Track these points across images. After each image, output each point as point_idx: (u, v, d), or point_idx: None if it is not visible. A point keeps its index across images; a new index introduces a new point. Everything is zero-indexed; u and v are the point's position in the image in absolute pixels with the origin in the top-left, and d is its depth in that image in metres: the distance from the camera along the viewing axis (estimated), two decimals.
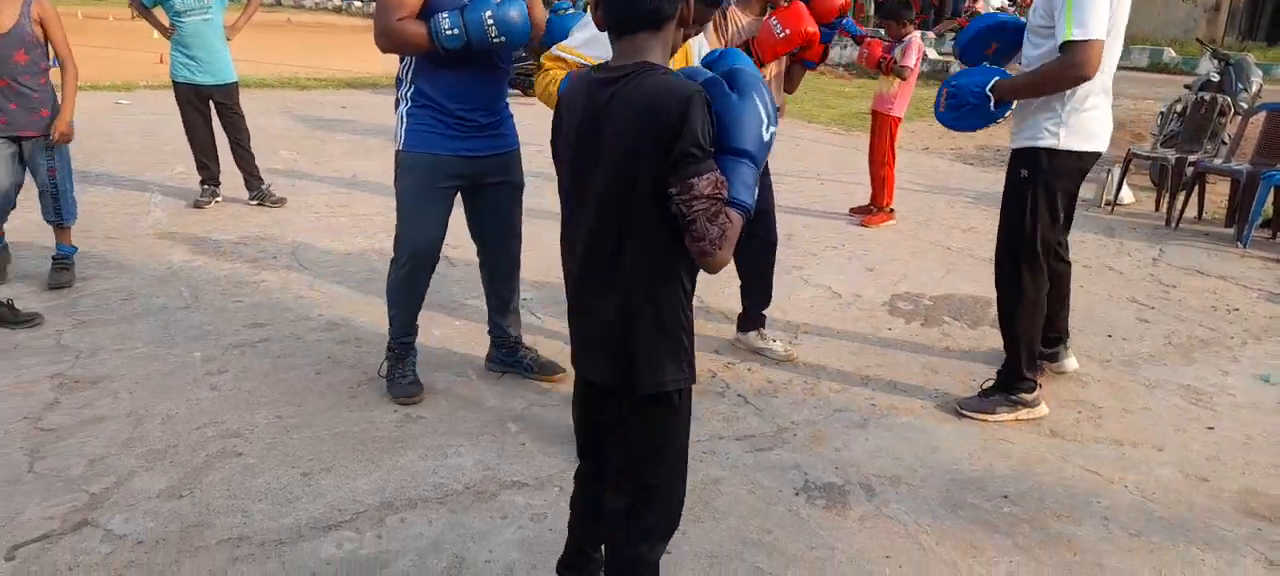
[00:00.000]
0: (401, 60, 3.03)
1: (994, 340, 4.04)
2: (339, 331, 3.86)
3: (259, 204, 5.96)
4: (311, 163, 7.45)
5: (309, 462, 2.81)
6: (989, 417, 3.24)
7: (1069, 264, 3.54)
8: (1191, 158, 6.35)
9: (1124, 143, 9.76)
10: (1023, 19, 3.17)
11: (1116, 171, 6.80)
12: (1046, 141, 3.02)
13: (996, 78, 3.08)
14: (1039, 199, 3.09)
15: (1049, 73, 2.92)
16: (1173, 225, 6.27)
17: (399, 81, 3.07)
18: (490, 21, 2.78)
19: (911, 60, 5.75)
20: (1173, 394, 3.56)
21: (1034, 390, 3.27)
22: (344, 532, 2.46)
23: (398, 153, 3.07)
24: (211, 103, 5.83)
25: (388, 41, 2.85)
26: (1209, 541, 2.58)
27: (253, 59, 12.74)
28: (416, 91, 2.99)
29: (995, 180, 6.05)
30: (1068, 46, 2.82)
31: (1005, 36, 3.25)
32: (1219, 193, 6.77)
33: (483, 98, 3.05)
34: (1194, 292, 4.86)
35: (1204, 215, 6.53)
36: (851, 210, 6.32)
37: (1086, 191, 7.35)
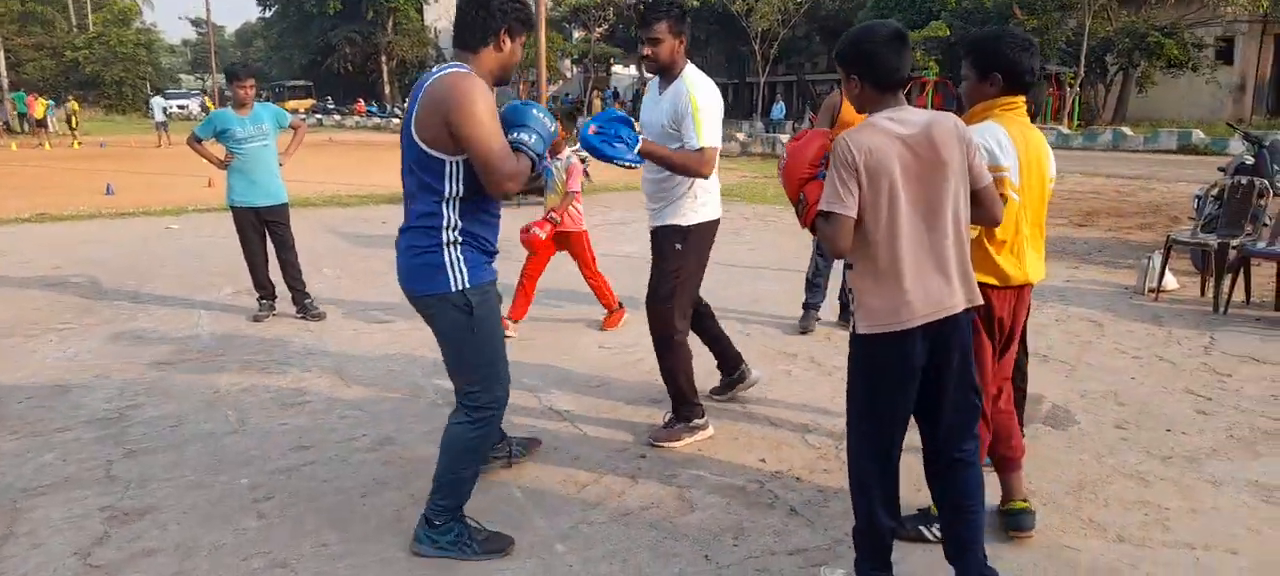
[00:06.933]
0: (436, 203, 2.80)
1: (1043, 443, 3.93)
2: (383, 452, 3.86)
3: (303, 317, 6.16)
4: (354, 279, 7.60)
5: None
6: (675, 444, 3.88)
7: (707, 308, 4.31)
8: (1234, 242, 6.26)
9: (1162, 228, 9.70)
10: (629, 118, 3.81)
11: (1158, 258, 6.71)
12: (691, 219, 3.82)
13: (643, 138, 3.62)
14: (690, 260, 3.85)
15: (681, 158, 3.65)
16: (1221, 310, 6.14)
17: (432, 228, 2.81)
18: (545, 117, 2.85)
19: (575, 184, 5.83)
20: (1241, 491, 3.42)
21: (704, 415, 3.99)
22: None
23: (463, 294, 2.79)
24: (265, 223, 6.11)
25: (516, 184, 2.73)
26: None
27: (298, 178, 13.12)
28: (464, 232, 2.82)
29: (1068, 277, 5.89)
30: (701, 150, 3.63)
31: (623, 130, 3.86)
32: (1263, 274, 6.65)
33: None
34: (1251, 381, 4.72)
35: (1252, 299, 6.40)
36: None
37: (1128, 278, 7.27)
